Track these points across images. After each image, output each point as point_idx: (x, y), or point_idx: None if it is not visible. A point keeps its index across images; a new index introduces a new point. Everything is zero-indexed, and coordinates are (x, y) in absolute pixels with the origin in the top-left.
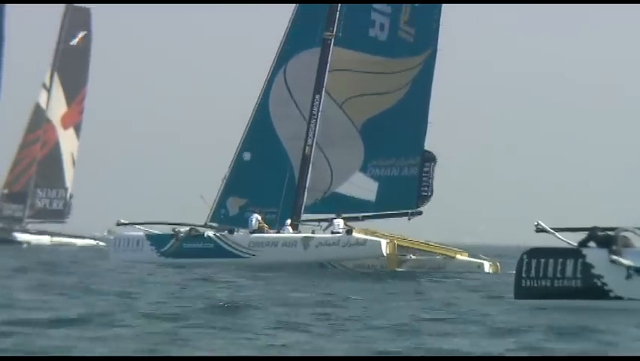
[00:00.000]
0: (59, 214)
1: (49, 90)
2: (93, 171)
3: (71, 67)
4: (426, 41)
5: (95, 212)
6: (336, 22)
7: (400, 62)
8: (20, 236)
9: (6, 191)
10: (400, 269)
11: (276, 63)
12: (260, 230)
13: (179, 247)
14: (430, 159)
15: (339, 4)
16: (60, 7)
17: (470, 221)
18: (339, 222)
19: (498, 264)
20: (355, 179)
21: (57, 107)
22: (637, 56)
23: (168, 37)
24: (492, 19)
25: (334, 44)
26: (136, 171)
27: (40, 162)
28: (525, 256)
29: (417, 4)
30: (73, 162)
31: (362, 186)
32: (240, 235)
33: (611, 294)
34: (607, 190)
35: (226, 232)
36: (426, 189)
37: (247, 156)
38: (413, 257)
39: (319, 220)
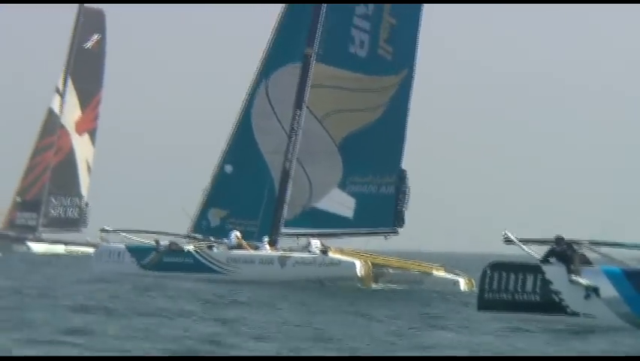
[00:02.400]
0: (75, 223)
1: (62, 95)
2: (110, 178)
3: (85, 71)
4: (404, 60)
5: (112, 220)
6: (317, 37)
7: (378, 79)
8: (34, 246)
9: (19, 199)
10: (375, 286)
11: (258, 76)
12: (239, 246)
13: (159, 261)
14: (404, 179)
15: (321, 19)
16: (73, 8)
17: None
18: (317, 243)
19: (473, 281)
20: (334, 195)
21: (71, 112)
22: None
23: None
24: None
25: (315, 60)
26: (154, 178)
27: (54, 169)
28: (488, 270)
29: (397, 4)
30: (89, 169)
31: (340, 203)
32: (219, 251)
33: (569, 310)
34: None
35: (205, 247)
36: (402, 208)
37: (228, 168)
38: (390, 271)
39: (297, 235)
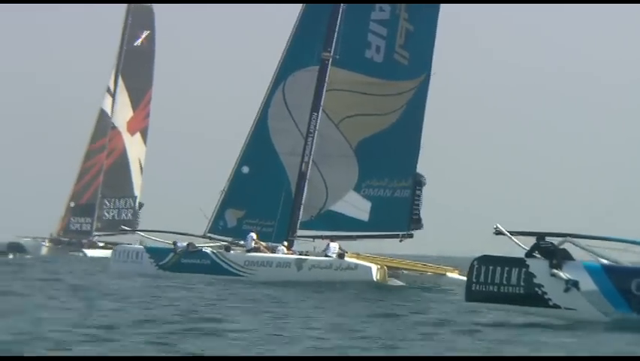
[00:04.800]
0: (129, 225)
1: (113, 95)
2: (162, 178)
3: (135, 69)
4: (420, 66)
5: (164, 221)
6: (333, 42)
7: (394, 84)
8: (89, 252)
9: (72, 204)
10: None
11: (275, 79)
12: (256, 248)
13: (177, 262)
14: (420, 182)
15: (338, 22)
16: (122, 8)
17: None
18: (335, 246)
19: None
20: (349, 198)
21: (122, 112)
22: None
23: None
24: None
25: (332, 64)
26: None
27: (106, 171)
28: (476, 263)
29: (414, 4)
30: (141, 169)
31: (356, 206)
32: (237, 253)
33: (550, 303)
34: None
35: (223, 249)
36: (417, 212)
37: (245, 169)
38: (405, 272)
39: (313, 237)
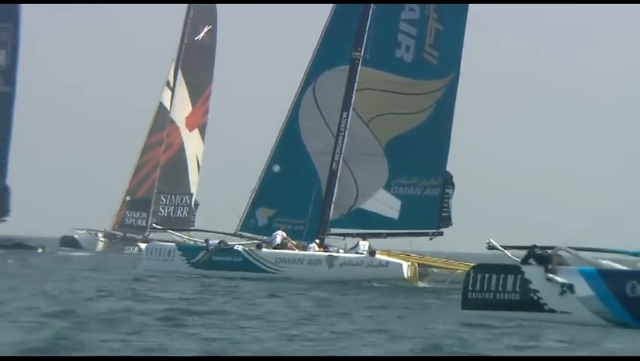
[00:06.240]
0: (184, 222)
1: (172, 89)
2: (218, 176)
3: (196, 64)
4: (449, 65)
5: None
6: (364, 42)
7: (424, 83)
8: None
9: (128, 198)
10: (421, 284)
11: (305, 79)
12: (283, 246)
13: (208, 259)
14: (450, 182)
15: (368, 22)
16: (183, 7)
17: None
18: (365, 245)
19: None
20: (379, 196)
21: (181, 107)
22: None
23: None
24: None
25: (362, 64)
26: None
27: (163, 167)
28: (472, 271)
29: (443, 4)
30: (198, 167)
31: (386, 204)
32: (268, 250)
33: (546, 307)
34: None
35: (254, 247)
36: (446, 210)
37: (276, 168)
38: (434, 270)
39: (344, 235)
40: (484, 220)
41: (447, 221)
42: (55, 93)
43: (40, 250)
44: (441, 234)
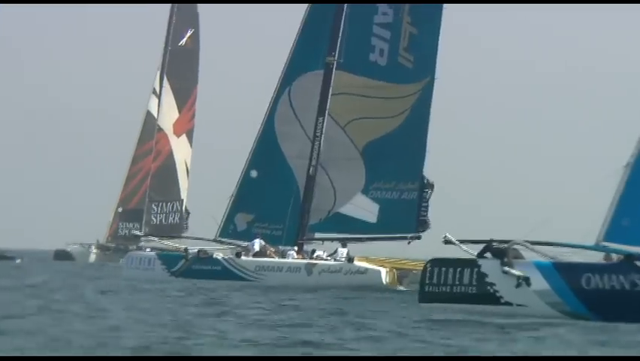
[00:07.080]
0: (176, 229)
1: (159, 96)
2: (208, 181)
3: (181, 69)
4: (425, 69)
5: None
6: (337, 46)
7: (399, 87)
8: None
9: (120, 209)
10: (400, 287)
11: (281, 83)
12: (262, 253)
13: (188, 268)
14: (428, 185)
15: (341, 28)
16: (166, 8)
17: None
18: (344, 251)
19: None
20: (357, 200)
21: (169, 113)
22: None
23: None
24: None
25: (336, 68)
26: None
27: (153, 175)
28: (429, 265)
29: (418, 4)
30: (187, 172)
31: (364, 208)
32: (247, 258)
33: (502, 300)
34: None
35: (234, 255)
36: (424, 214)
37: (254, 173)
38: (414, 272)
39: (322, 239)
40: (476, 222)
41: (424, 225)
42: (36, 105)
43: (18, 261)
44: (419, 238)
